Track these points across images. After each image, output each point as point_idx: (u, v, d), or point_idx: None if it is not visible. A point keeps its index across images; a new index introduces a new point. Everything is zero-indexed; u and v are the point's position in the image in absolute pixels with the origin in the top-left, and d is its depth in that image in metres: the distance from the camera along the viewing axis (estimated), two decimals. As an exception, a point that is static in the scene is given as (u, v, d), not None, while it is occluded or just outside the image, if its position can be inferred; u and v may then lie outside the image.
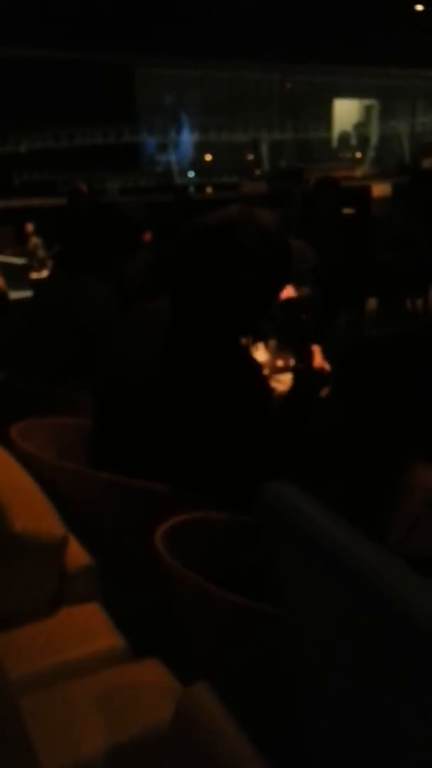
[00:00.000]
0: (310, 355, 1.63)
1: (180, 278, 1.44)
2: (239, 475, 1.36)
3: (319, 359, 1.69)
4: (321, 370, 1.65)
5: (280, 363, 2.34)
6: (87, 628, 1.28)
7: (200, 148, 20.10)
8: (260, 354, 2.15)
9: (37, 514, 1.31)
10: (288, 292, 3.46)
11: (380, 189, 7.90)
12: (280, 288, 1.51)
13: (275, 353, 2.32)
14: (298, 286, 3.06)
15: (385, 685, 0.71)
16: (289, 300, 1.75)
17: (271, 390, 1.67)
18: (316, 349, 1.68)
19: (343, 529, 0.78)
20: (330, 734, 0.86)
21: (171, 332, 1.46)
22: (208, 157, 20.06)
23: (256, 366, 1.56)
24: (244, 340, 1.63)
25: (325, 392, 1.81)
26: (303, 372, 1.63)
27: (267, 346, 2.25)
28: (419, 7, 17.95)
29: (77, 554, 1.35)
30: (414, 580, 0.68)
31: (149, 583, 1.20)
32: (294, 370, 1.69)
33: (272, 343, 2.35)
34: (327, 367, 1.69)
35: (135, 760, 1.05)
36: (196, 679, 0.96)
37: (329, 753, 0.87)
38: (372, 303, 4.86)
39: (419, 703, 0.66)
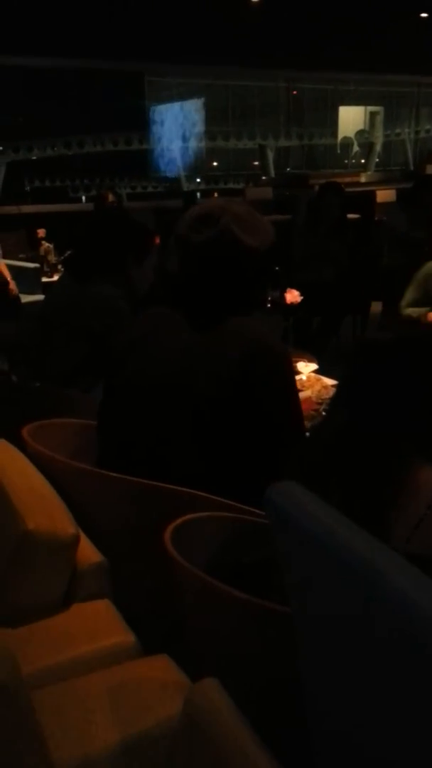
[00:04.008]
0: None
1: (201, 255, 1.51)
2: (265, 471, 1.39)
3: None
4: None
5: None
6: (98, 624, 1.29)
7: (207, 154, 20.14)
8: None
9: (49, 513, 1.32)
10: (292, 296, 3.48)
11: (385, 194, 7.91)
12: (272, 252, 1.59)
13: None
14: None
15: (391, 685, 0.72)
16: None
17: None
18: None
19: (349, 529, 0.79)
20: (337, 733, 0.87)
21: (196, 324, 1.50)
22: (215, 164, 20.12)
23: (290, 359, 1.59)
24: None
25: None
26: None
27: None
28: (424, 15, 17.98)
29: (88, 552, 1.37)
30: (419, 581, 0.68)
31: (159, 580, 1.22)
32: None
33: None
34: None
35: (144, 755, 1.06)
36: (205, 676, 0.98)
37: (336, 750, 0.89)
38: (376, 307, 4.87)
39: (428, 705, 0.67)
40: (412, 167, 18.34)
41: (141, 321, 1.64)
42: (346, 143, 21.65)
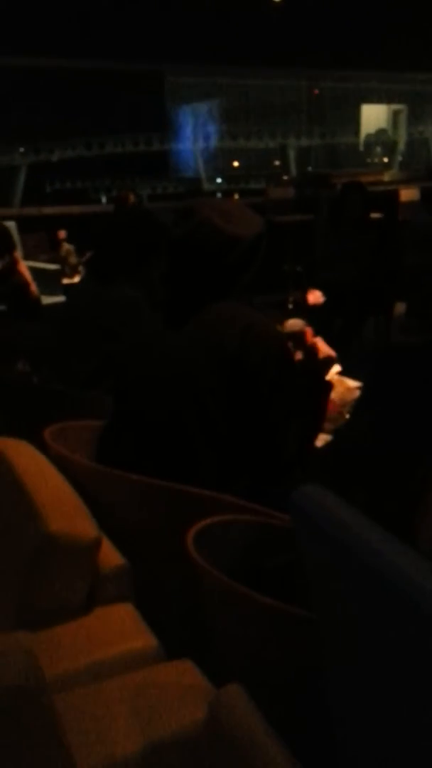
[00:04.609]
0: (314, 352, 1.77)
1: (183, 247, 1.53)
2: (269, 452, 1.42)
3: (323, 348, 1.81)
4: (327, 358, 1.84)
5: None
6: (120, 628, 1.29)
7: (228, 154, 20.16)
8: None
9: (71, 515, 1.32)
10: (315, 297, 3.45)
11: (408, 193, 7.84)
12: (260, 240, 1.58)
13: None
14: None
15: (419, 691, 0.71)
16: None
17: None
18: (318, 340, 1.82)
19: (375, 533, 0.78)
20: (361, 737, 0.86)
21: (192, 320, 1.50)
22: (236, 164, 20.14)
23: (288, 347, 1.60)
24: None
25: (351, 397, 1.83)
26: (308, 364, 1.75)
27: None
28: (449, 11, 17.80)
29: (110, 555, 1.37)
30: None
31: (181, 584, 1.21)
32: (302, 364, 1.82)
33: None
34: (332, 353, 1.82)
35: (168, 761, 1.05)
36: (229, 681, 0.97)
37: (360, 754, 0.88)
38: (400, 308, 4.82)
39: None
40: (435, 165, 18.17)
41: (143, 324, 1.68)
42: (369, 142, 21.50)
